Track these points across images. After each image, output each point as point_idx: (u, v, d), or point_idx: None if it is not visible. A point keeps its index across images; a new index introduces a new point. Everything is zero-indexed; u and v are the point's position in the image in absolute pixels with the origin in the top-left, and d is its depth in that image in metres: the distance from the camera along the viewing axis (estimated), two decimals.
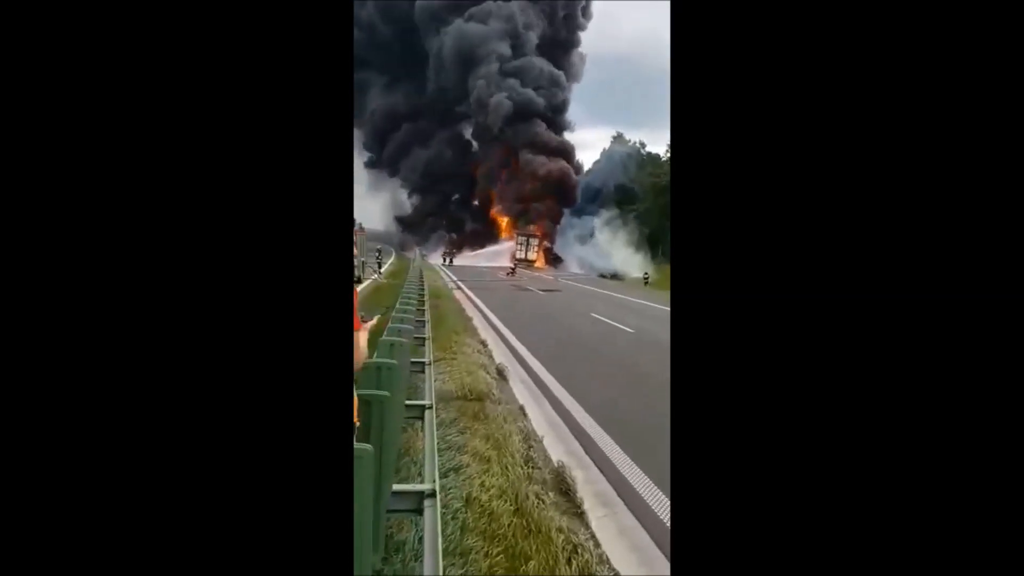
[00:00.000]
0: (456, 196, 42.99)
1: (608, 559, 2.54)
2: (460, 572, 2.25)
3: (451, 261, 34.74)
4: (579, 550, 2.50)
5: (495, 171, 38.71)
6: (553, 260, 37.99)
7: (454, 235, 41.15)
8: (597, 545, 2.63)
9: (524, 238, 37.77)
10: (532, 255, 36.97)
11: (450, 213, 42.59)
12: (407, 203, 44.85)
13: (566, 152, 37.60)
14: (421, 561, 2.14)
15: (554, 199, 37.72)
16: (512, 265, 31.15)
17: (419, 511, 2.35)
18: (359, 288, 13.66)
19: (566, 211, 38.48)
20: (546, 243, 37.79)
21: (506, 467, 3.24)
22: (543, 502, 2.95)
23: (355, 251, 14.45)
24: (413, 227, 43.07)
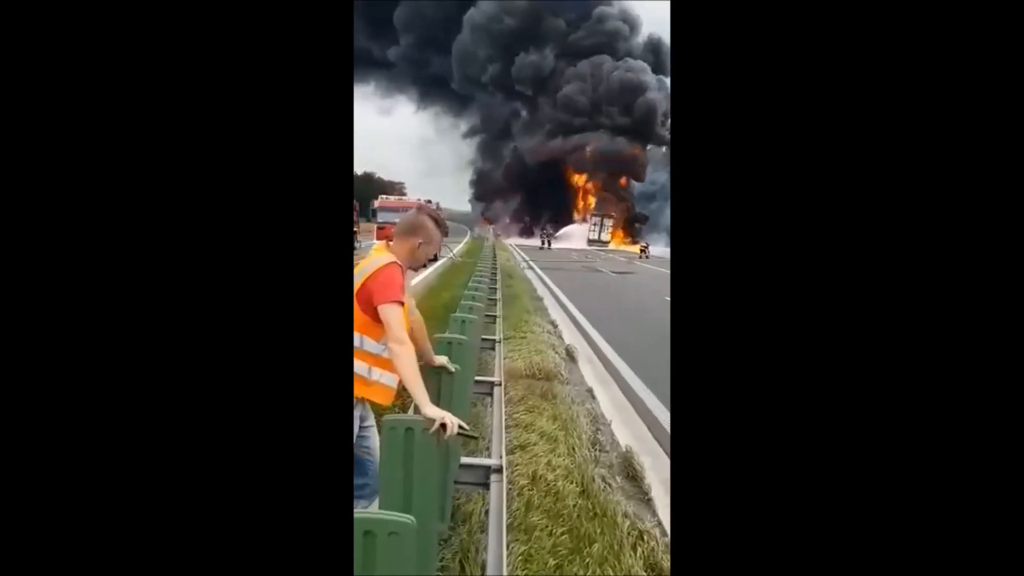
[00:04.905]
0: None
1: None
2: (524, 548, 2.28)
3: (549, 244, 30.95)
4: (645, 537, 2.45)
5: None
6: (634, 234, 36.26)
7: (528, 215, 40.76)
8: (664, 533, 2.57)
9: (598, 219, 37.01)
10: (606, 236, 36.19)
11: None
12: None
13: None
14: (486, 533, 2.19)
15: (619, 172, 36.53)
16: (591, 244, 30.57)
17: (486, 485, 2.40)
18: (434, 266, 14.03)
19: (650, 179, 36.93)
20: (621, 223, 36.77)
21: (572, 448, 3.23)
22: (609, 486, 2.92)
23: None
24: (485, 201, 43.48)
